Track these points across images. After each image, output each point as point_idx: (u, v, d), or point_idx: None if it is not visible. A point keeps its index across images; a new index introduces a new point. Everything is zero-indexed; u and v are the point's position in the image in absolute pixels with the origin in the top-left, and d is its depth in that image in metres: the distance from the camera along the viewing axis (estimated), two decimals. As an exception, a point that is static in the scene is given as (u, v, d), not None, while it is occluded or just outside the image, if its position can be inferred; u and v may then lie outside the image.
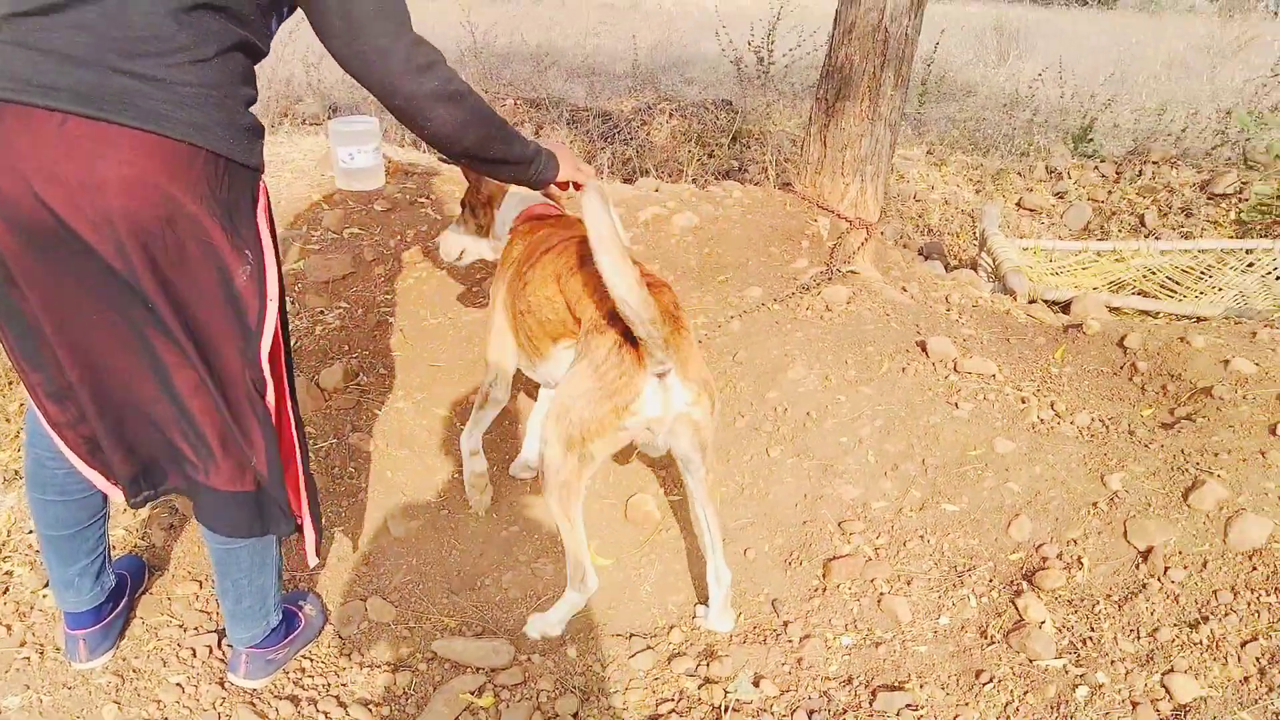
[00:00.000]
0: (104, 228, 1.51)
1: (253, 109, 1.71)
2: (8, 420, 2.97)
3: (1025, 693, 2.03)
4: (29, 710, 2.11)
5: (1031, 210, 6.48)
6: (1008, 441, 2.73)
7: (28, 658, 2.23)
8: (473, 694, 2.21)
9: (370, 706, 2.20)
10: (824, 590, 2.41)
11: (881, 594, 2.35)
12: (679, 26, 12.82)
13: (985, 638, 2.20)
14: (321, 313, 3.40)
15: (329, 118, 6.84)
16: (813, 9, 8.66)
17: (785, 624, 2.33)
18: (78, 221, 1.49)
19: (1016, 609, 2.23)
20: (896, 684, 2.11)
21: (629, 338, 1.89)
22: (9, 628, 2.31)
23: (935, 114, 8.16)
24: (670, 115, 6.83)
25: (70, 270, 1.57)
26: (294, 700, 2.18)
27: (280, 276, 1.86)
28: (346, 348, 3.30)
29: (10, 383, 3.10)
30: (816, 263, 3.76)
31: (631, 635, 2.40)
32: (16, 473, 2.79)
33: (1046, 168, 6.82)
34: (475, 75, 7.84)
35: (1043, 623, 2.17)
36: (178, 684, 2.19)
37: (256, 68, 1.74)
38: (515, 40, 10.29)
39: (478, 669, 2.29)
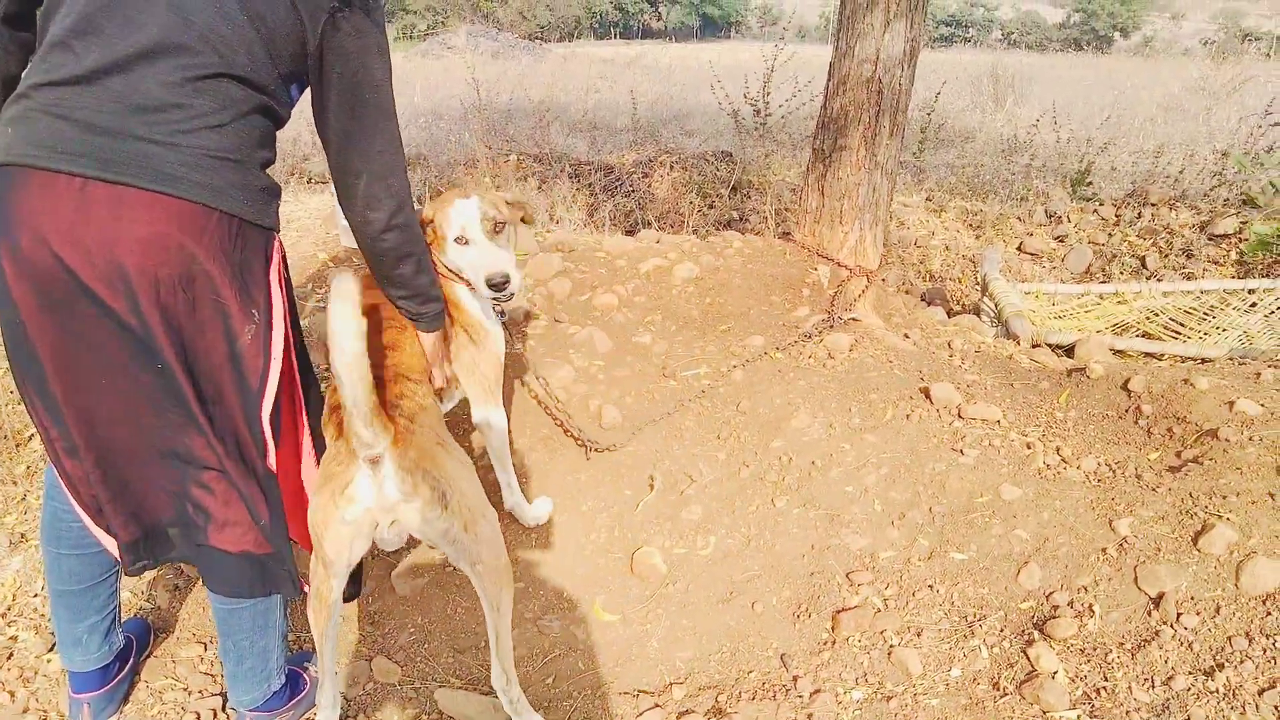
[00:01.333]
0: (119, 285, 1.56)
1: (270, 170, 1.77)
2: (14, 483, 2.97)
3: (1040, 745, 1.99)
4: (31, 779, 2.09)
5: (1032, 254, 6.50)
6: (1014, 488, 2.71)
7: (31, 725, 2.21)
8: (479, 755, 2.18)
9: (376, 770, 2.17)
10: (833, 643, 2.38)
11: (892, 646, 2.32)
12: (677, 80, 13.00)
13: (998, 690, 2.17)
14: (326, 370, 3.41)
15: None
16: (808, 60, 8.79)
17: (795, 679, 2.30)
18: (94, 280, 1.55)
19: (1028, 659, 2.19)
20: (909, 738, 2.08)
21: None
22: (13, 694, 2.29)
23: (934, 160, 8.23)
24: (671, 167, 6.90)
25: (84, 333, 1.61)
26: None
27: (289, 336, 1.89)
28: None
29: (17, 445, 3.10)
30: (818, 311, 3.77)
31: (639, 693, 2.37)
32: (23, 536, 2.79)
33: (1046, 211, 6.85)
34: (480, 131, 7.94)
35: (1055, 673, 2.14)
36: (181, 749, 2.17)
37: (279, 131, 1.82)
38: (518, 96, 10.44)
39: (484, 728, 2.26)
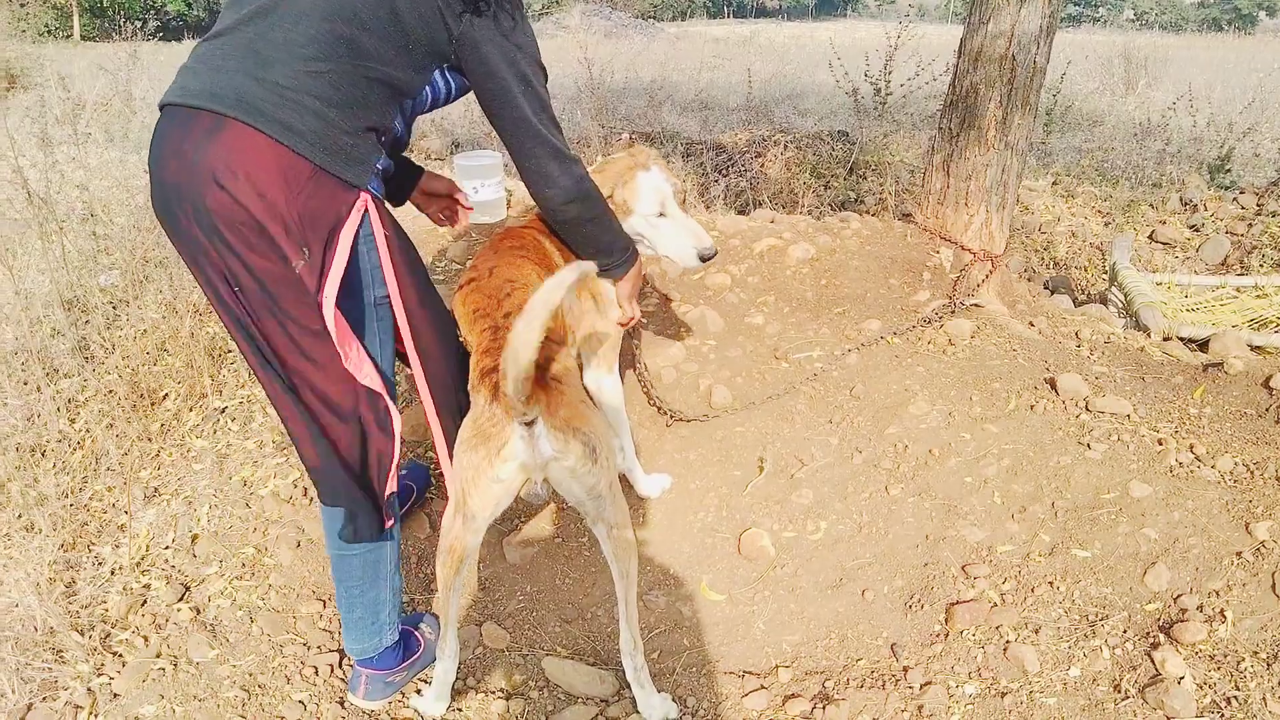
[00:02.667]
0: (198, 206, 1.72)
1: (375, 137, 1.88)
2: (149, 440, 3.11)
3: (1165, 754, 1.91)
4: (162, 719, 2.19)
5: (1165, 243, 6.21)
6: (1144, 485, 2.60)
7: (163, 669, 2.32)
8: (585, 725, 2.21)
9: (484, 732, 2.21)
10: (946, 636, 2.32)
11: (1008, 641, 2.25)
12: (792, 59, 12.80)
13: (1119, 692, 2.08)
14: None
15: (452, 153, 7.05)
16: (930, 39, 8.54)
17: (905, 669, 2.25)
18: (184, 201, 1.75)
19: (1153, 662, 2.10)
20: (1024, 737, 2.02)
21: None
22: (146, 639, 2.41)
23: (1060, 144, 7.92)
24: (785, 147, 6.79)
25: (190, 253, 1.83)
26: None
27: (397, 302, 2.00)
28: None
29: (152, 404, 3.25)
30: (939, 296, 3.67)
31: (744, 673, 2.35)
32: (157, 490, 2.92)
33: (1181, 199, 6.53)
34: (592, 110, 7.96)
35: (1181, 678, 2.05)
36: (300, 701, 2.25)
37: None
38: (630, 76, 10.43)
39: (588, 699, 2.28)
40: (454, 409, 2.23)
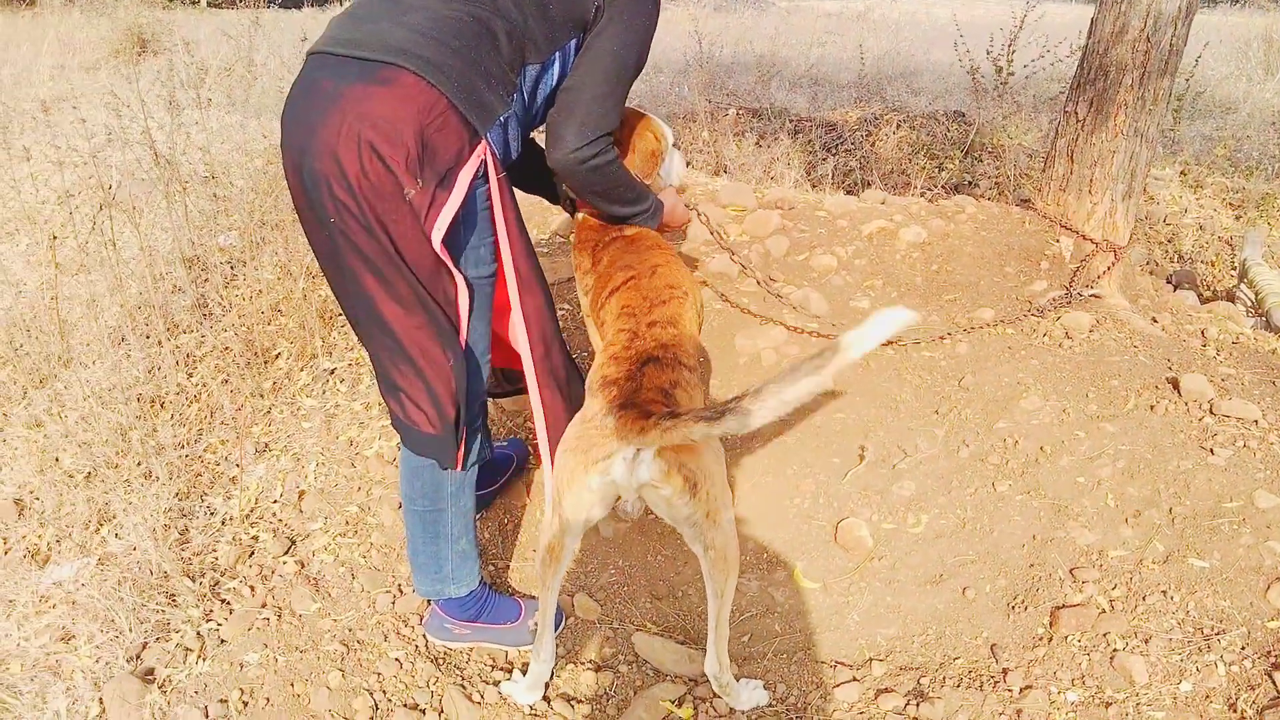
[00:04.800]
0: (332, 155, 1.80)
1: (503, 92, 1.93)
2: (261, 397, 3.21)
3: (1285, 781, 1.81)
4: (265, 667, 2.27)
5: (1301, 240, 5.86)
6: (1271, 495, 2.46)
7: (267, 619, 2.40)
8: (673, 703, 2.20)
9: (572, 703, 2.23)
10: (1049, 640, 2.24)
11: (1115, 650, 2.16)
12: (906, 36, 12.43)
13: (1234, 711, 1.98)
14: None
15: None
16: (1053, 18, 8.19)
17: (1004, 671, 2.19)
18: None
19: (1274, 684, 2.00)
20: (1130, 751, 1.94)
21: (618, 405, 1.88)
22: (253, 589, 2.50)
23: (1190, 132, 7.53)
24: (897, 126, 6.61)
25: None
26: (499, 685, 2.25)
27: (509, 256, 2.05)
28: (570, 347, 3.38)
29: (265, 362, 3.35)
30: (1056, 286, 3.53)
31: (836, 664, 2.32)
32: (267, 445, 3.02)
33: (1322, 193, 6.15)
34: (699, 84, 7.86)
35: (1306, 703, 1.94)
36: (396, 659, 2.30)
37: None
38: (740, 49, 10.28)
39: (677, 677, 2.28)
40: (557, 384, 2.24)
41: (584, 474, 1.88)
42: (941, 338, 3.22)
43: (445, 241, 1.88)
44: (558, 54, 2.01)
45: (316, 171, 1.80)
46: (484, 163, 1.90)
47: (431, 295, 1.91)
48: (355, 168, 1.76)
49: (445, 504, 2.19)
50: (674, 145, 2.60)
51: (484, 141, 1.89)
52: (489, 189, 1.94)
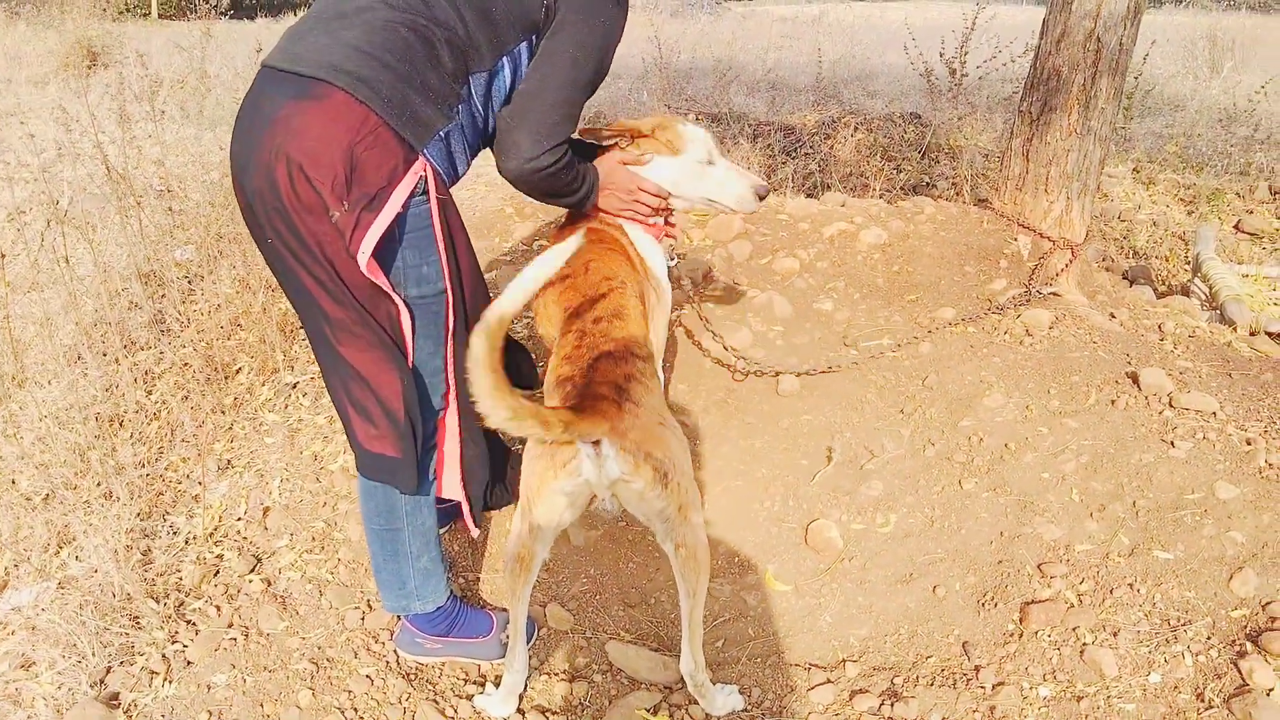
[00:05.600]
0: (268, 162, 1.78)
1: (443, 106, 1.90)
2: (223, 413, 3.16)
3: (1253, 768, 1.84)
4: (233, 688, 2.23)
5: (1251, 234, 5.97)
6: (1231, 486, 2.50)
7: (234, 639, 2.36)
8: (649, 711, 2.19)
9: (547, 714, 2.21)
10: (1020, 636, 2.26)
11: (1085, 644, 2.18)
12: (861, 39, 12.54)
13: (1202, 701, 2.01)
14: (512, 323, 3.47)
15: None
16: (1004, 19, 8.29)
17: (977, 669, 2.20)
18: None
19: (1239, 672, 2.03)
20: (1102, 744, 1.96)
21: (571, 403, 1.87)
22: (219, 609, 2.45)
23: (1141, 129, 7.66)
24: (855, 129, 6.66)
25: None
26: (471, 700, 2.23)
27: (454, 277, 2.01)
28: (534, 357, 3.36)
29: (226, 377, 3.30)
30: (1016, 284, 3.57)
31: (810, 666, 2.32)
32: (230, 462, 2.97)
33: (1270, 188, 6.28)
34: (659, 89, 7.89)
35: (1270, 690, 1.97)
36: (367, 676, 2.27)
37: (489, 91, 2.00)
38: (698, 55, 10.31)
39: (652, 685, 2.27)
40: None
41: (554, 479, 1.86)
42: (899, 345, 3.24)
43: (384, 261, 1.85)
44: (505, 59, 1.96)
45: (254, 189, 1.78)
46: (422, 179, 1.86)
47: (373, 316, 1.89)
48: (286, 187, 1.74)
49: (401, 523, 2.15)
50: (712, 159, 2.44)
51: (421, 157, 1.86)
52: (429, 206, 1.90)
